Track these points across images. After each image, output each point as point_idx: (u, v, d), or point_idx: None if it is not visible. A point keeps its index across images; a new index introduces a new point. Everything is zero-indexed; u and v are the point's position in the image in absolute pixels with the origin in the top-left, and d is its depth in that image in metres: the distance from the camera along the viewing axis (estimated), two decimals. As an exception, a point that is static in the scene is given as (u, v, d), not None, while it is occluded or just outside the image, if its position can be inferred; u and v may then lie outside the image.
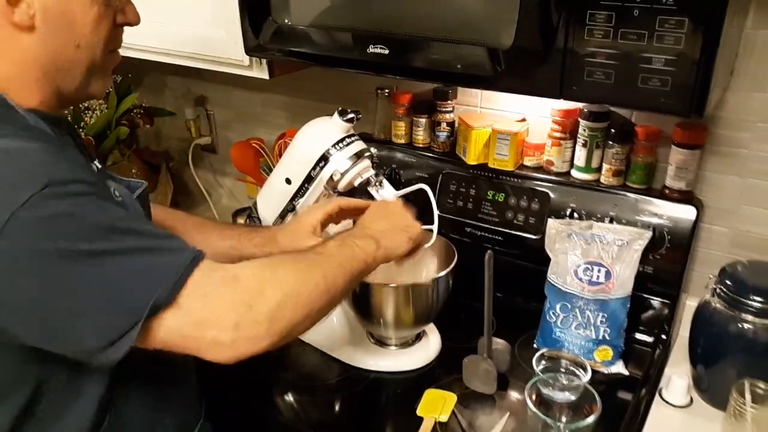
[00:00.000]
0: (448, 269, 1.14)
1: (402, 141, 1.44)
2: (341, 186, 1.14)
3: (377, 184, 1.15)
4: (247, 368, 0.75)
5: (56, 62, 0.76)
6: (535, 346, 1.23)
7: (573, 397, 1.03)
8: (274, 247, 1.05)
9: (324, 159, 1.12)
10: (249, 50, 1.17)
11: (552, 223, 1.21)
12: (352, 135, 1.13)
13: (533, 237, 1.29)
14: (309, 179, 1.14)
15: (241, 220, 1.63)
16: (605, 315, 1.15)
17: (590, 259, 1.16)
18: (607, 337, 1.16)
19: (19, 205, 0.62)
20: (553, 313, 1.19)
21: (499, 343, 1.14)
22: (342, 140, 1.12)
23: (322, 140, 1.12)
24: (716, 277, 1.06)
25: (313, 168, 1.13)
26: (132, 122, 1.57)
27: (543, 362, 1.10)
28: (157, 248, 0.70)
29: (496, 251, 1.11)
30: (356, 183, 1.14)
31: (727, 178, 1.17)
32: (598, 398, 0.99)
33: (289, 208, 1.20)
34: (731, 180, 1.17)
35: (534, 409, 0.97)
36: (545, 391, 1.03)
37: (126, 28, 0.83)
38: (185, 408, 0.96)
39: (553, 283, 1.19)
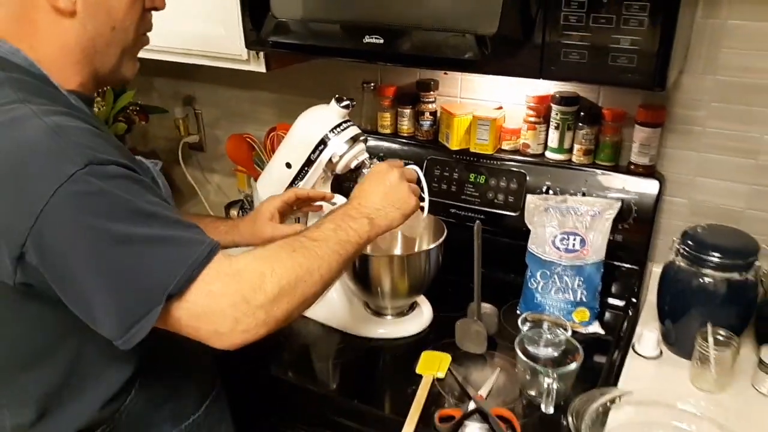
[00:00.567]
0: (439, 241, 1.24)
1: (388, 131, 1.55)
2: (339, 168, 1.23)
3: (371, 165, 1.24)
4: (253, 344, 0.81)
5: (95, 45, 0.82)
6: (518, 312, 1.34)
7: (556, 353, 1.14)
8: (236, 235, 1.15)
9: (323, 143, 1.21)
10: (250, 44, 1.25)
11: (530, 198, 1.32)
12: (348, 120, 1.23)
13: (513, 214, 1.40)
14: (309, 162, 1.23)
15: (234, 212, 1.72)
16: (581, 279, 1.27)
17: (566, 230, 1.28)
18: (584, 300, 1.27)
19: (64, 180, 0.68)
20: (534, 280, 1.30)
21: (487, 307, 1.25)
22: (339, 125, 1.21)
23: (320, 125, 1.21)
24: (679, 239, 1.18)
25: (313, 152, 1.22)
26: (128, 119, 1.64)
27: (527, 324, 1.21)
28: (179, 238, 0.74)
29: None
30: (352, 165, 1.23)
31: (685, 153, 1.31)
32: (580, 348, 1.11)
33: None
34: (688, 155, 1.31)
35: (524, 359, 1.08)
36: (531, 348, 1.14)
37: None
38: (202, 376, 1.03)
39: (533, 252, 1.30)
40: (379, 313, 1.31)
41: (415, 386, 1.12)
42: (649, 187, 1.30)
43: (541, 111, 1.37)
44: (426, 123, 1.49)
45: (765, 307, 1.19)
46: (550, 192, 1.35)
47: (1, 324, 0.81)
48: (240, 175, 1.72)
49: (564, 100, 1.33)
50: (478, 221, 1.18)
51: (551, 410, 1.06)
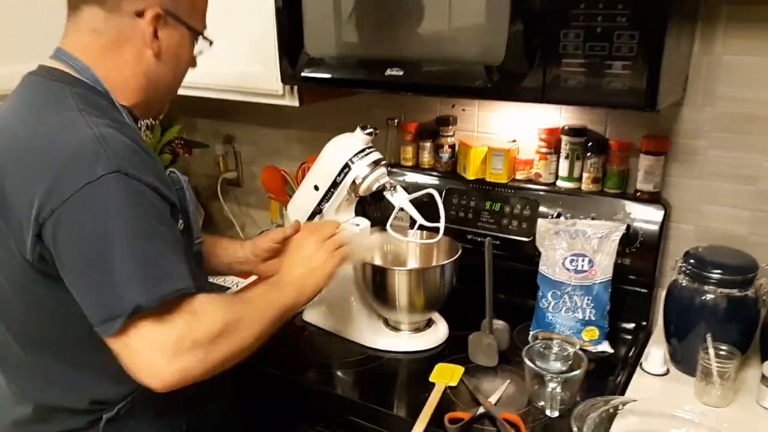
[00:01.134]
0: (454, 258, 1.32)
1: (410, 163, 1.66)
2: (362, 190, 1.34)
3: (392, 189, 1.34)
4: (276, 353, 0.88)
5: (158, 81, 1.01)
6: (531, 331, 1.39)
7: (564, 367, 1.20)
8: (238, 251, 1.29)
9: (347, 166, 1.32)
10: (285, 79, 1.39)
11: (541, 222, 1.40)
12: (371, 147, 1.34)
13: (526, 239, 1.48)
14: (334, 185, 1.34)
15: (265, 239, 1.82)
16: (590, 298, 1.33)
17: (575, 251, 1.35)
18: (593, 318, 1.33)
19: (93, 179, 0.80)
20: (545, 300, 1.37)
21: (499, 323, 1.32)
22: (362, 150, 1.32)
23: (345, 151, 1.32)
24: (682, 259, 1.25)
25: (338, 174, 1.33)
26: (173, 152, 1.79)
27: (539, 342, 1.27)
28: (164, 266, 0.84)
29: (495, 255, 1.31)
30: (374, 188, 1.34)
31: (689, 181, 1.38)
32: (585, 358, 1.17)
33: (316, 211, 1.39)
34: (693, 183, 1.38)
35: (530, 365, 1.14)
36: (540, 363, 1.19)
37: None
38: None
39: (544, 273, 1.37)
40: (396, 328, 1.38)
41: (428, 393, 1.18)
42: (654, 212, 1.37)
43: (552, 142, 1.46)
44: (445, 155, 1.60)
45: (769, 325, 1.23)
46: (561, 218, 1.43)
47: (22, 301, 0.91)
48: (273, 206, 1.84)
49: (573, 131, 1.43)
50: (489, 238, 1.27)
51: (556, 414, 1.11)
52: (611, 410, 1.10)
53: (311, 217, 1.40)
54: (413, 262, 1.46)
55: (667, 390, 1.22)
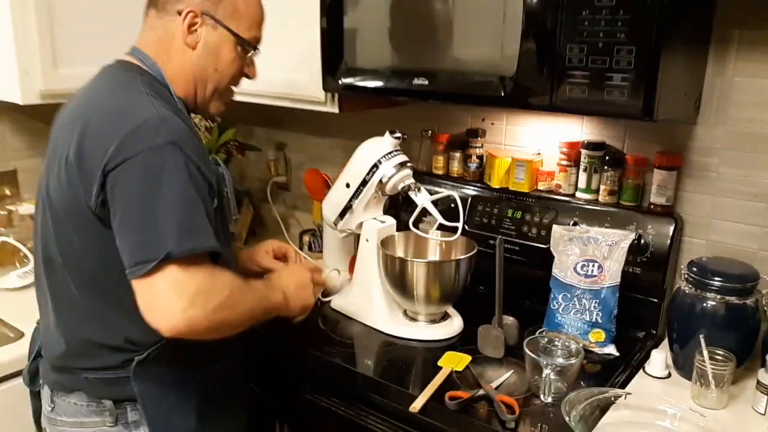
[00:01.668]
0: (469, 254, 1.43)
1: (440, 172, 1.78)
2: (388, 188, 1.46)
3: (416, 189, 1.46)
4: (300, 331, 1.04)
5: (201, 74, 1.17)
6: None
7: (565, 362, 1.27)
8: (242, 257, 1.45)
9: (375, 166, 1.45)
10: (326, 88, 1.54)
11: (556, 229, 1.48)
12: (398, 150, 1.47)
13: (544, 246, 1.56)
14: (363, 183, 1.48)
15: (306, 238, 1.98)
16: (597, 301, 1.40)
17: (586, 257, 1.42)
18: (600, 321, 1.39)
19: (152, 144, 0.99)
20: (556, 302, 1.44)
21: (509, 319, 1.40)
22: (390, 152, 1.46)
23: (375, 152, 1.46)
24: (686, 267, 1.31)
25: (367, 173, 1.46)
26: (228, 152, 1.97)
27: (541, 335, 1.35)
28: (200, 224, 1.00)
29: (513, 260, 1.41)
30: (399, 187, 1.46)
31: (701, 197, 1.44)
32: (583, 351, 1.24)
33: (347, 207, 1.52)
34: (705, 198, 1.43)
35: (529, 353, 1.22)
36: (543, 356, 1.26)
37: None
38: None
39: (557, 277, 1.45)
40: (414, 319, 1.49)
41: (435, 375, 1.28)
42: (665, 225, 1.43)
43: (572, 155, 1.55)
44: (473, 165, 1.71)
45: (769, 335, 1.27)
46: (577, 226, 1.51)
47: (81, 245, 1.07)
48: (316, 207, 1.99)
49: (592, 146, 1.51)
50: (500, 237, 1.37)
51: (549, 400, 1.19)
52: (603, 401, 1.17)
53: (343, 212, 1.54)
54: (433, 258, 1.57)
55: (666, 392, 1.27)
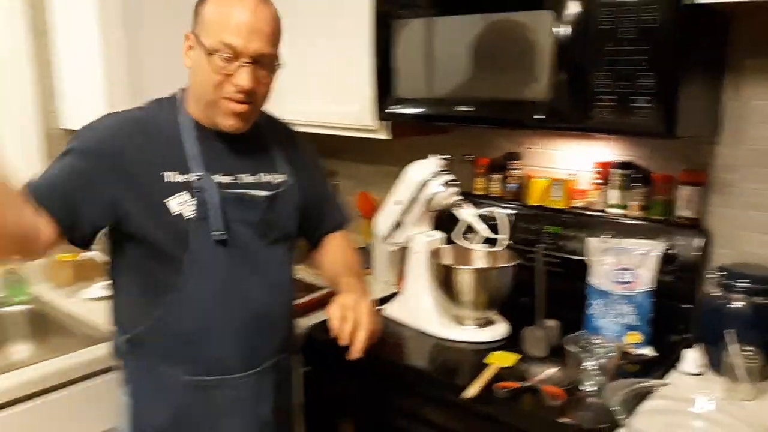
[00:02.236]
0: (512, 264, 1.57)
1: (480, 192, 1.93)
2: (435, 205, 1.63)
3: (461, 205, 1.62)
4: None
5: (195, 91, 1.25)
6: (580, 335, 1.59)
7: (603, 353, 1.39)
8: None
9: (424, 185, 1.62)
10: (379, 116, 1.72)
11: (591, 240, 1.62)
12: (445, 170, 1.63)
13: (579, 258, 1.69)
14: (413, 200, 1.64)
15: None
16: (633, 306, 1.52)
17: (620, 266, 1.55)
18: (636, 324, 1.52)
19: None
20: (593, 307, 1.57)
21: (551, 322, 1.53)
22: (438, 172, 1.62)
23: (423, 172, 1.63)
24: (715, 270, 1.43)
25: (417, 191, 1.63)
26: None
27: (582, 334, 1.47)
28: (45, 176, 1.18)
29: (553, 272, 1.55)
30: (446, 203, 1.62)
31: (727, 211, 1.56)
32: (619, 346, 1.37)
33: (398, 223, 1.69)
34: (730, 212, 1.56)
35: (571, 349, 1.35)
36: (582, 353, 1.39)
37: (290, 110, 1.42)
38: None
39: (593, 284, 1.58)
40: (462, 323, 1.62)
41: (484, 370, 1.41)
42: (693, 236, 1.56)
43: (604, 175, 1.69)
44: (512, 186, 1.86)
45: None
46: (611, 238, 1.64)
47: None
48: (365, 227, 2.16)
49: (622, 165, 1.66)
50: (540, 245, 1.51)
51: (590, 389, 1.31)
52: (642, 390, 1.29)
53: (394, 227, 1.70)
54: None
55: (701, 386, 1.37)
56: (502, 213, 1.61)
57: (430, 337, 1.61)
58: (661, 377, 1.43)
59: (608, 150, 1.72)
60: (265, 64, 1.22)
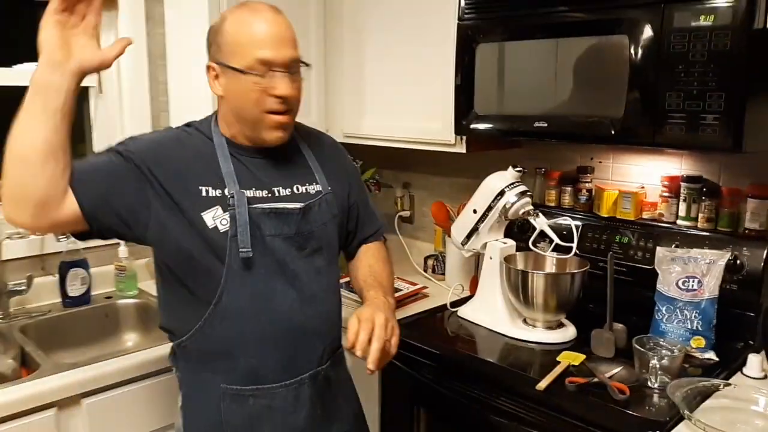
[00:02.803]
0: (582, 270, 1.67)
1: (552, 204, 2.04)
2: (510, 214, 1.75)
3: (534, 215, 1.74)
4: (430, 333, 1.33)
5: (235, 114, 1.30)
6: (647, 339, 1.68)
7: (668, 353, 1.48)
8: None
9: (500, 195, 1.75)
10: (459, 131, 1.87)
11: (660, 250, 1.70)
12: (520, 181, 1.76)
13: (648, 267, 1.78)
14: (489, 209, 1.77)
15: (430, 261, 2.28)
16: (698, 312, 1.60)
17: (687, 274, 1.63)
18: (700, 329, 1.59)
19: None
20: (660, 313, 1.66)
21: (619, 325, 1.63)
22: (512, 183, 1.75)
23: (499, 182, 1.76)
24: (777, 280, 1.50)
25: (492, 200, 1.76)
26: (368, 188, 2.33)
27: (651, 340, 1.56)
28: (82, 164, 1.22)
29: (621, 280, 1.64)
30: (520, 212, 1.74)
31: (794, 223, 1.63)
32: (683, 347, 1.45)
33: (474, 230, 1.82)
34: (797, 224, 1.62)
35: (637, 347, 1.45)
36: (649, 352, 1.48)
37: (370, 127, 1.57)
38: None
39: (661, 291, 1.67)
40: (533, 325, 1.74)
41: (555, 367, 1.52)
42: (759, 247, 1.62)
43: (673, 188, 1.78)
44: (583, 197, 1.97)
45: None
46: (678, 248, 1.72)
47: None
48: (437, 235, 2.30)
49: (691, 179, 1.74)
50: (611, 253, 1.61)
51: (656, 384, 1.40)
52: (706, 388, 1.37)
53: (470, 234, 1.83)
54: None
55: (761, 387, 1.44)
56: (573, 223, 1.71)
57: (503, 337, 1.73)
58: (724, 379, 1.50)
59: (677, 165, 1.80)
60: (295, 69, 1.28)
